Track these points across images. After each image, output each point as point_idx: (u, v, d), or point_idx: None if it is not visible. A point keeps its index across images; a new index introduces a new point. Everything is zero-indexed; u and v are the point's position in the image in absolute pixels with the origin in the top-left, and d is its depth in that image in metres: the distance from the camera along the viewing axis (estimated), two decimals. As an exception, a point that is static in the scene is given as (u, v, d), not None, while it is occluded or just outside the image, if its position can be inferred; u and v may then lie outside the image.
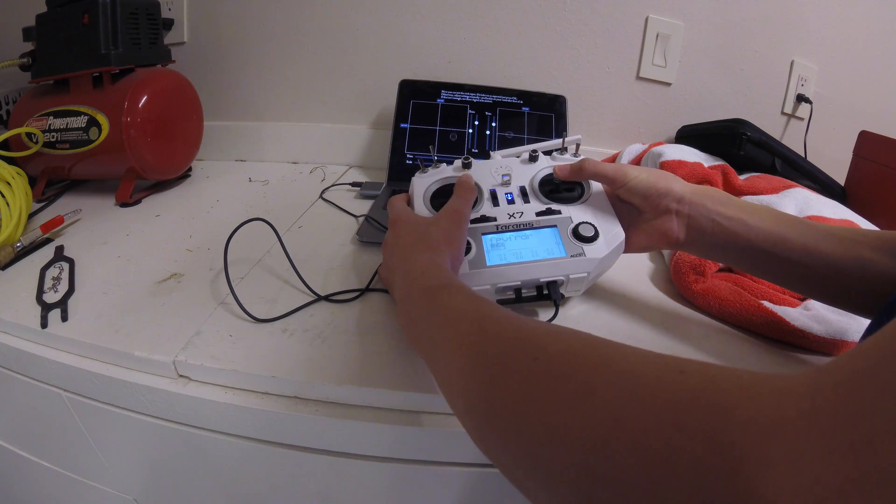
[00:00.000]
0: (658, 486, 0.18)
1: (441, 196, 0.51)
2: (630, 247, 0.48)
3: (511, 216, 0.48)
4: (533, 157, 0.53)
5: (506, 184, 0.51)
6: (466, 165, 0.53)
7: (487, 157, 0.55)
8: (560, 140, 0.54)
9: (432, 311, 0.34)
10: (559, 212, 0.48)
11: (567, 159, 0.53)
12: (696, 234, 0.45)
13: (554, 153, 0.54)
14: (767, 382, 0.18)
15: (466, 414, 0.28)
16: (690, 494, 0.17)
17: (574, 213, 0.48)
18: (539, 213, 0.48)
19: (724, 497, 0.16)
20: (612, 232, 0.47)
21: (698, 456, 0.17)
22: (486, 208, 0.49)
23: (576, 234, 0.46)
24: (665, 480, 0.18)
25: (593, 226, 0.46)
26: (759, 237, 0.42)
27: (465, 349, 0.29)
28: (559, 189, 0.51)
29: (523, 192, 0.50)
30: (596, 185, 0.51)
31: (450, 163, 0.54)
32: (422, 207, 0.50)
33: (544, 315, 0.50)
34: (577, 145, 0.54)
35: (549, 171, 0.52)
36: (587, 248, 0.45)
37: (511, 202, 0.50)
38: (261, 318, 0.47)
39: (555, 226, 0.47)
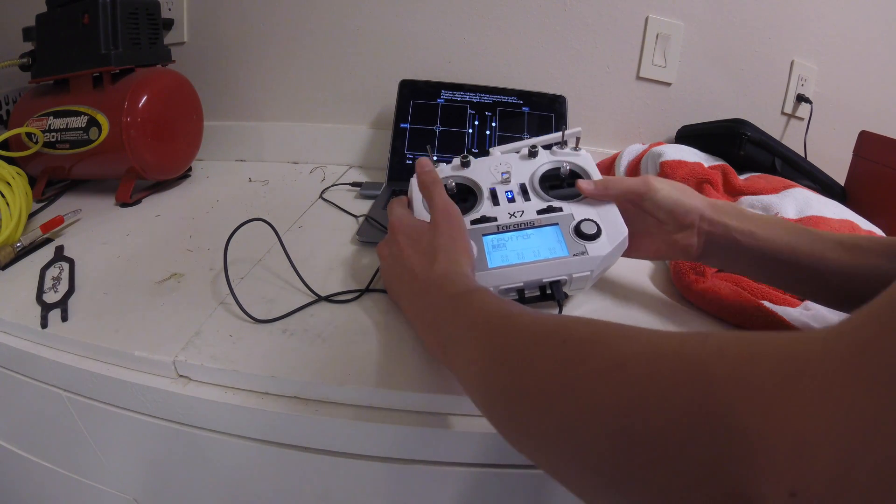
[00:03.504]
0: (693, 437, 0.18)
1: None
2: (646, 254, 0.49)
3: (512, 215, 0.48)
4: (532, 153, 0.52)
5: (505, 181, 0.50)
6: (465, 164, 0.52)
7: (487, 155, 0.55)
8: (560, 133, 0.53)
9: (458, 314, 0.35)
10: (560, 209, 0.48)
11: (567, 153, 0.52)
12: (713, 248, 0.46)
13: (554, 147, 0.53)
14: (790, 332, 0.19)
15: (494, 404, 0.29)
16: (726, 441, 0.17)
17: (575, 210, 0.47)
18: (540, 211, 0.48)
19: (761, 438, 0.16)
20: (614, 228, 0.46)
21: (730, 403, 0.18)
22: (486, 208, 0.49)
23: (578, 231, 0.46)
24: (699, 430, 0.18)
25: (595, 223, 0.46)
26: (770, 248, 0.43)
27: (493, 344, 0.30)
28: (561, 184, 0.50)
29: (523, 190, 0.50)
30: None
31: (448, 162, 0.54)
32: (422, 210, 0.49)
33: (544, 315, 0.49)
34: (578, 139, 0.53)
35: (549, 166, 0.51)
36: (590, 245, 0.45)
37: (511, 200, 0.49)
38: (260, 319, 0.47)
39: (556, 224, 0.47)
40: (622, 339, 0.24)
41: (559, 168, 0.51)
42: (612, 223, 0.47)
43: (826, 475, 0.15)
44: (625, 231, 0.46)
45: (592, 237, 0.45)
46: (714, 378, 0.18)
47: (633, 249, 0.48)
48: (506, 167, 0.51)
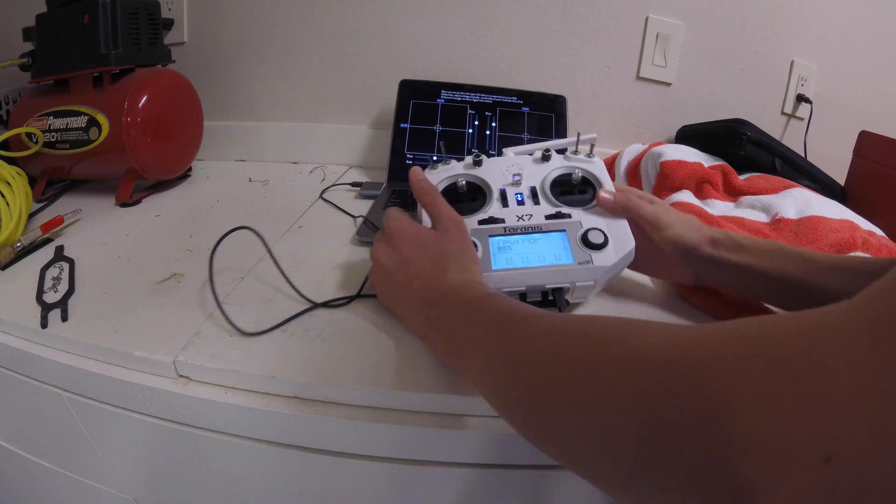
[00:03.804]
0: (720, 417, 0.18)
1: (448, 194, 0.50)
2: (645, 271, 0.52)
3: (520, 218, 0.47)
4: (546, 157, 0.52)
5: (516, 184, 0.50)
6: (477, 163, 0.52)
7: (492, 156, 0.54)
8: (574, 139, 0.53)
9: (475, 320, 0.35)
10: (569, 215, 0.47)
11: (581, 160, 0.51)
12: (710, 277, 0.48)
13: (567, 152, 0.53)
14: (811, 309, 0.19)
15: (517, 403, 0.29)
16: (754, 417, 0.17)
17: (584, 218, 0.47)
18: (548, 217, 0.47)
19: (789, 410, 0.16)
20: (622, 239, 0.46)
21: (757, 380, 0.18)
22: (494, 209, 0.48)
23: (585, 240, 0.45)
24: (727, 410, 0.18)
25: (603, 232, 0.46)
26: (766, 277, 0.44)
27: (514, 343, 0.31)
28: (572, 190, 0.50)
29: (534, 193, 0.49)
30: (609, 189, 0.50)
31: (460, 159, 0.53)
32: (427, 219, 0.48)
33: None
34: (592, 145, 0.53)
35: (561, 171, 0.51)
36: (595, 255, 0.44)
37: (521, 203, 0.49)
38: (249, 332, 0.45)
39: (563, 230, 0.46)
40: (646, 329, 0.24)
41: (571, 174, 0.50)
42: (620, 234, 0.46)
43: (859, 435, 0.15)
44: (632, 243, 0.46)
45: (599, 247, 0.45)
46: (741, 354, 0.19)
47: (633, 264, 0.48)
48: (518, 169, 0.51)
